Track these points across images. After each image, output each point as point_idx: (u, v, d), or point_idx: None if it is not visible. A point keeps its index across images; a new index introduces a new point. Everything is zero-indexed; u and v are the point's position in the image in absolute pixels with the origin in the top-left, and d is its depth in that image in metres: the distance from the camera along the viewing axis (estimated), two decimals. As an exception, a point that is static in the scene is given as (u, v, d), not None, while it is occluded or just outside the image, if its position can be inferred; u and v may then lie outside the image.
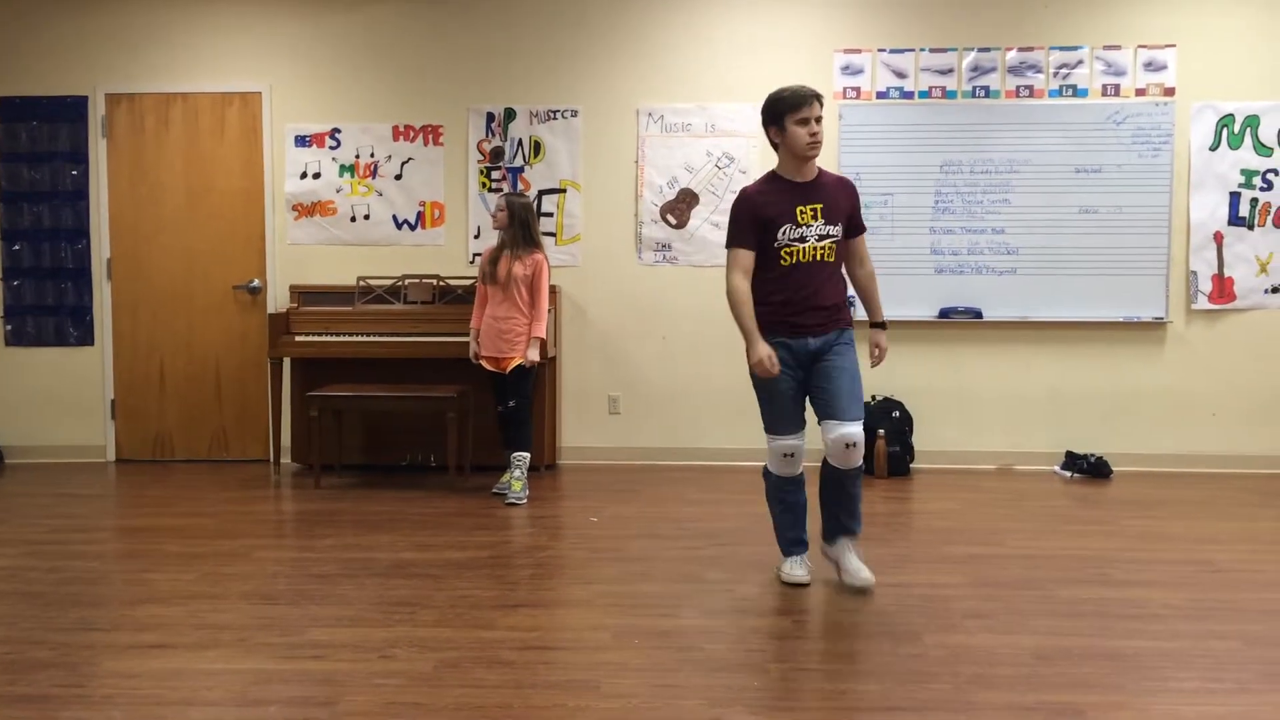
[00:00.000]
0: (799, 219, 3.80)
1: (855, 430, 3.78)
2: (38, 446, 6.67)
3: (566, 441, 6.59)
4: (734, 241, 3.87)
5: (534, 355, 5.47)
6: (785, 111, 3.77)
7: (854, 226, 3.94)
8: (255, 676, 3.12)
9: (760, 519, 5.08)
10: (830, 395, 3.81)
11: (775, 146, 3.88)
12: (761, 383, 3.90)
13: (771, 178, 3.92)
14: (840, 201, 3.86)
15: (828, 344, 3.85)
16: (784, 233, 3.79)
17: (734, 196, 6.37)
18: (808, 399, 3.93)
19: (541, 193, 6.51)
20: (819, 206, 3.81)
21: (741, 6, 6.41)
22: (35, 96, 6.57)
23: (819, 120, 3.78)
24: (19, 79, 6.57)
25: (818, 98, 3.79)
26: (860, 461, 3.84)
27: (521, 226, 5.50)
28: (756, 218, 3.80)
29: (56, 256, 6.64)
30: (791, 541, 4.05)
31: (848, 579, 3.91)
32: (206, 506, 5.42)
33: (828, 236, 3.82)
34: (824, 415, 3.83)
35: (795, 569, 4.01)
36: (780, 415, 3.90)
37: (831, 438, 3.79)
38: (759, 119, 6.26)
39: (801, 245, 3.80)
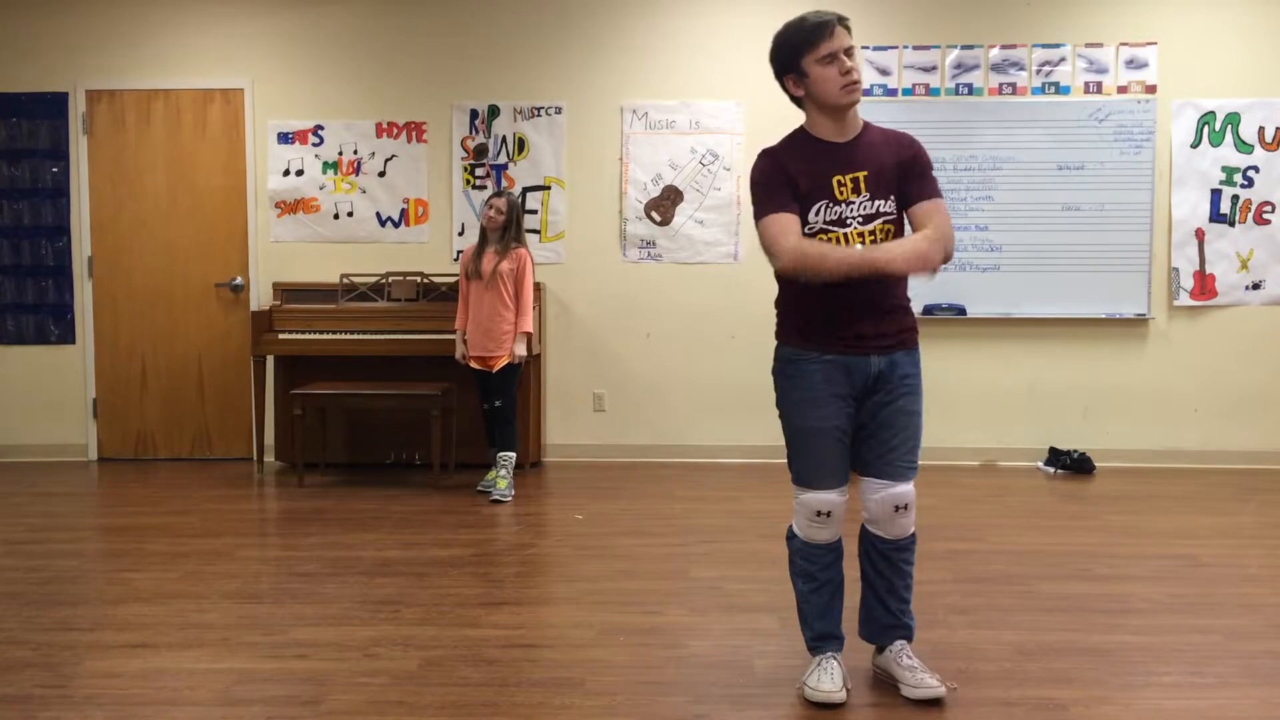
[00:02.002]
0: (836, 193, 2.80)
1: (907, 490, 2.91)
2: (18, 446, 6.62)
3: (551, 439, 6.59)
4: (766, 208, 2.81)
5: (521, 350, 5.47)
6: (803, 50, 2.77)
7: (910, 193, 2.84)
8: (238, 676, 3.11)
9: (745, 516, 5.11)
10: (886, 448, 2.89)
11: (798, 103, 2.89)
12: (794, 413, 2.91)
13: (798, 136, 2.89)
14: (889, 164, 2.82)
15: (895, 371, 2.87)
16: (817, 213, 2.80)
17: (719, 194, 6.50)
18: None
19: (526, 190, 6.50)
20: (861, 175, 2.80)
21: (725, 3, 6.40)
22: (15, 93, 6.51)
23: (851, 53, 2.77)
24: (-2, 75, 6.54)
25: (841, 20, 2.78)
26: (913, 528, 2.97)
27: (515, 224, 5.50)
28: (789, 177, 2.80)
29: (37, 254, 6.59)
30: (819, 635, 2.98)
31: (910, 693, 2.92)
32: (189, 505, 5.39)
33: (878, 216, 2.81)
34: (868, 470, 2.92)
35: (823, 680, 2.90)
36: (819, 462, 2.88)
37: (876, 499, 2.90)
38: (742, 116, 6.38)
39: (842, 231, 2.80)
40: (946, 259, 2.80)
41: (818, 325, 2.86)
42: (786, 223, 2.78)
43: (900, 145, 2.87)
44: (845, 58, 2.76)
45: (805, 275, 2.76)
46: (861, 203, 2.81)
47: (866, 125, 2.89)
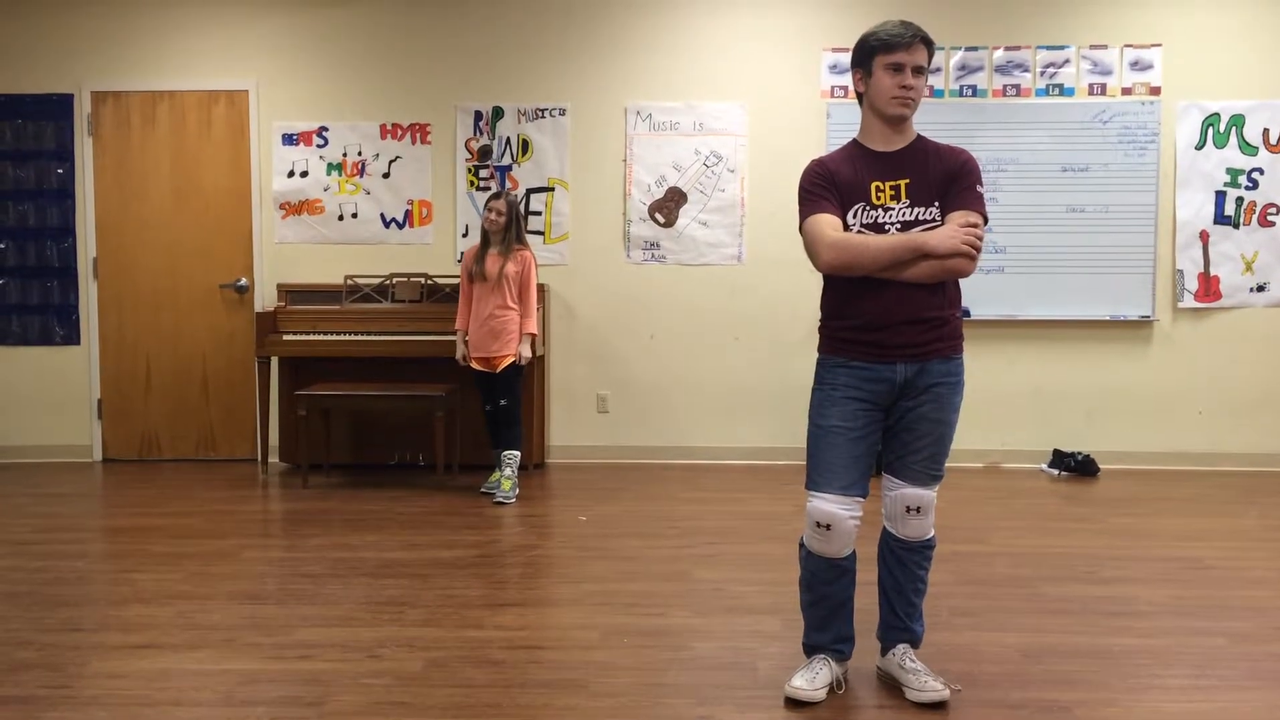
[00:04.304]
0: (874, 198, 2.83)
1: (921, 494, 2.92)
2: (23, 446, 6.63)
3: (554, 440, 6.59)
4: (807, 211, 2.86)
5: (527, 352, 5.47)
6: (876, 51, 2.84)
7: (949, 205, 2.84)
8: (242, 677, 3.11)
9: (749, 518, 5.11)
10: (906, 450, 2.90)
11: (859, 98, 2.94)
12: (813, 413, 2.94)
13: (848, 146, 2.96)
14: (934, 174, 2.85)
15: (924, 379, 2.85)
16: (855, 215, 2.84)
17: (722, 196, 6.49)
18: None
19: (529, 191, 6.50)
20: (903, 183, 2.83)
21: (729, 5, 6.40)
22: (20, 94, 6.53)
23: (918, 71, 2.83)
24: (3, 76, 6.52)
25: (924, 41, 2.85)
26: (931, 532, 2.98)
27: (516, 225, 5.51)
28: (833, 181, 2.86)
29: (42, 255, 6.60)
30: (813, 645, 3.04)
31: (914, 696, 2.93)
32: (193, 506, 5.39)
33: (917, 224, 2.82)
34: (888, 469, 2.96)
35: (798, 677, 2.96)
36: (825, 461, 2.88)
37: (890, 496, 2.95)
38: (746, 118, 6.38)
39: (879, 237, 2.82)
40: (975, 252, 2.78)
41: (846, 333, 2.87)
42: (825, 221, 2.82)
43: (950, 157, 2.89)
44: (910, 74, 2.82)
45: (850, 268, 2.79)
46: (901, 209, 2.82)
47: (920, 138, 2.92)
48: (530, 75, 6.48)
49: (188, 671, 3.16)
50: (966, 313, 6.24)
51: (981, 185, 2.89)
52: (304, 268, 6.54)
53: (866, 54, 2.87)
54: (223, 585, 4.01)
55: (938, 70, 6.29)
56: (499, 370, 5.47)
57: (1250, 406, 6.37)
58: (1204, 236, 6.30)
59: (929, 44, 2.87)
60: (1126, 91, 6.28)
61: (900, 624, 3.04)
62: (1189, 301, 6.33)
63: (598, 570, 4.25)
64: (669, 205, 6.48)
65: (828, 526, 2.86)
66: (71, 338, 6.62)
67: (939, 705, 2.89)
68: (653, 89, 6.45)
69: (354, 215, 6.55)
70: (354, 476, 6.08)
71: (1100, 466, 6.22)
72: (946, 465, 2.98)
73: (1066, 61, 6.30)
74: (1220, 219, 6.30)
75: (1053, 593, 3.91)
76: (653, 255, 6.50)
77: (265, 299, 6.52)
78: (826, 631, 3.01)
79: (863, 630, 3.11)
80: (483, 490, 5.62)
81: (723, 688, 3.04)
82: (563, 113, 6.48)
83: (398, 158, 6.52)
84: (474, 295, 5.54)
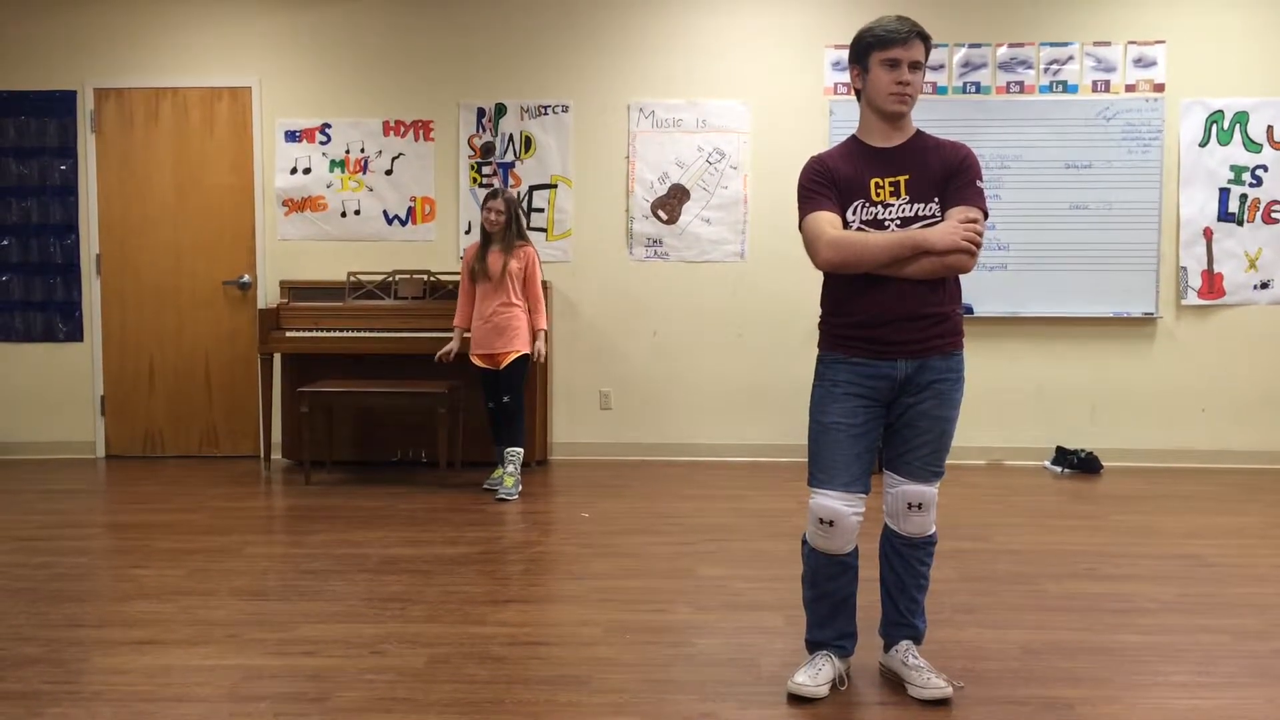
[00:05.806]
0: (873, 194, 2.82)
1: (922, 490, 2.91)
2: (27, 443, 6.64)
3: (557, 437, 6.59)
4: (807, 208, 2.85)
5: (542, 346, 5.48)
6: (872, 47, 2.82)
7: (948, 200, 2.82)
8: (246, 672, 3.12)
9: (751, 514, 5.11)
10: (907, 447, 2.89)
11: (857, 95, 2.92)
12: (813, 409, 2.94)
13: (847, 142, 2.96)
14: (934, 170, 2.83)
15: (923, 375, 2.85)
16: (854, 212, 2.82)
17: (725, 193, 6.49)
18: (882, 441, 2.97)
19: (532, 188, 6.50)
20: (903, 179, 2.82)
21: (732, 2, 6.39)
22: (23, 91, 6.54)
23: (915, 67, 2.80)
24: (7, 73, 6.53)
25: (921, 36, 2.82)
26: (932, 529, 2.97)
27: (516, 222, 5.52)
28: (832, 179, 2.85)
29: (45, 252, 6.61)
30: (815, 641, 3.03)
31: (916, 693, 2.91)
32: (197, 502, 5.40)
33: (917, 220, 2.81)
34: (889, 466, 2.95)
35: (801, 673, 2.94)
36: (826, 458, 2.88)
37: (891, 493, 2.94)
38: (749, 115, 6.38)
39: (879, 233, 2.81)
40: (975, 248, 2.77)
41: (847, 330, 2.87)
42: (824, 219, 2.81)
43: (949, 152, 2.87)
44: (906, 69, 2.80)
45: (849, 265, 2.78)
46: (901, 205, 2.81)
47: (919, 133, 2.91)
48: (533, 72, 6.48)
49: (191, 667, 3.16)
50: (969, 309, 6.23)
51: (981, 180, 2.87)
52: (307, 264, 6.55)
53: (863, 50, 2.86)
54: (226, 581, 4.02)
55: (941, 67, 6.29)
56: (503, 367, 5.47)
57: (1253, 404, 6.36)
58: (1208, 233, 6.29)
59: (926, 39, 2.85)
60: (1130, 88, 6.28)
61: (903, 620, 3.03)
62: (1192, 299, 6.32)
63: (600, 567, 4.25)
64: (672, 202, 6.48)
65: (830, 523, 2.86)
66: (75, 334, 6.63)
67: (941, 702, 2.88)
68: (655, 86, 6.45)
69: (357, 212, 6.55)
70: (356, 473, 6.09)
71: (1103, 464, 6.21)
72: (948, 462, 2.98)
73: (1070, 58, 6.29)
74: (1224, 216, 6.29)
75: (1055, 590, 3.91)
76: (655, 252, 6.50)
77: (268, 296, 6.53)
78: (829, 628, 3.00)
79: (865, 626, 3.11)
80: (485, 487, 5.63)
81: (725, 684, 3.04)
82: (565, 109, 6.48)
83: (400, 154, 6.52)
84: (476, 294, 5.54)
